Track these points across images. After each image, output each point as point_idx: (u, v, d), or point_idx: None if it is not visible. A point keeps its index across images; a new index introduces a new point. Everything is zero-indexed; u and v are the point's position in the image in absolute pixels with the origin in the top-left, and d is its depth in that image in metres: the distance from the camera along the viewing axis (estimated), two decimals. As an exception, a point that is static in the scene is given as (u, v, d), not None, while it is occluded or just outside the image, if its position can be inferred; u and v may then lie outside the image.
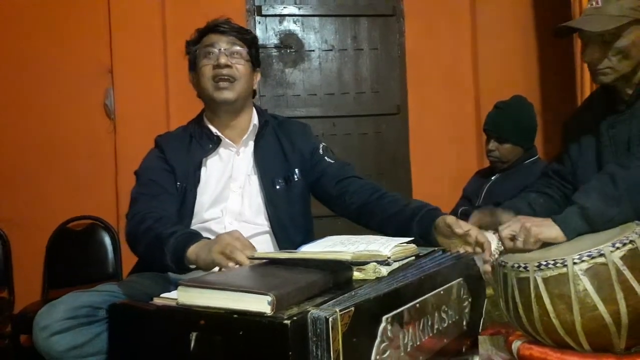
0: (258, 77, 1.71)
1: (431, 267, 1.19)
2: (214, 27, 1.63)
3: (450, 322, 1.19)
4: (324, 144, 1.72)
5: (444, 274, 1.20)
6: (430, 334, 1.11)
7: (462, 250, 1.38)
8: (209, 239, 1.33)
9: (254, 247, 1.24)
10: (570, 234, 1.31)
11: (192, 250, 1.27)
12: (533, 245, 1.32)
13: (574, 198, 1.36)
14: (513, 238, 1.36)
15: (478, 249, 1.37)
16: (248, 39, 1.65)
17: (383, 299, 0.97)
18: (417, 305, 1.06)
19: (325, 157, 1.67)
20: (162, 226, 1.38)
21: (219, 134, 1.63)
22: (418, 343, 1.06)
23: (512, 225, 1.37)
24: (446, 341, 1.18)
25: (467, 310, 1.28)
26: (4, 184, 3.00)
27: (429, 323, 1.11)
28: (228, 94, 1.58)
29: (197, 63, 1.63)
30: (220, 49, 1.59)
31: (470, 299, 1.29)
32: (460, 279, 1.25)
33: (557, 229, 1.32)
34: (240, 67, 1.60)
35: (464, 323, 1.26)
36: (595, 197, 1.32)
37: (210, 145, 1.63)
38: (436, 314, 1.14)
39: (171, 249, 1.30)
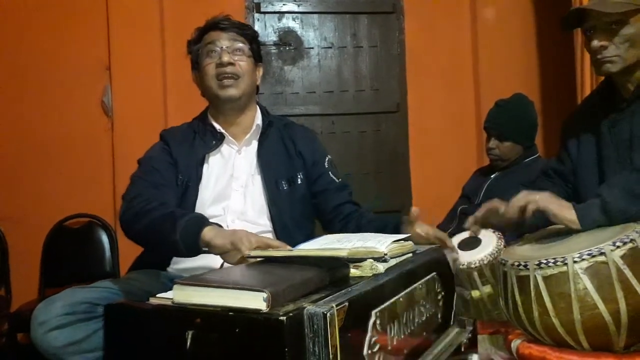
0: (261, 71, 1.71)
1: (410, 262, 1.21)
2: (214, 25, 1.62)
3: (427, 315, 1.21)
4: (329, 157, 1.72)
5: (421, 269, 1.21)
6: (412, 327, 1.12)
7: None
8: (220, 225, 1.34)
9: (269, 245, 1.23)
10: (587, 223, 1.31)
11: (209, 231, 1.26)
12: (540, 206, 1.35)
13: (599, 190, 1.35)
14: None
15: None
16: (249, 34, 1.65)
17: (372, 294, 0.98)
18: (401, 299, 1.07)
19: (330, 172, 1.68)
20: (170, 207, 1.37)
21: (222, 130, 1.63)
22: (402, 336, 1.07)
23: (536, 193, 1.40)
24: (425, 334, 1.19)
25: (440, 304, 1.29)
26: (1, 181, 2.99)
27: (410, 317, 1.12)
28: (233, 91, 1.58)
29: (199, 62, 1.63)
30: (222, 47, 1.58)
31: (443, 293, 1.30)
32: (434, 273, 1.26)
33: (574, 214, 1.32)
34: (243, 63, 1.61)
35: (439, 316, 1.28)
36: (618, 192, 1.31)
37: (214, 142, 1.63)
38: (416, 308, 1.15)
39: (183, 225, 1.27)
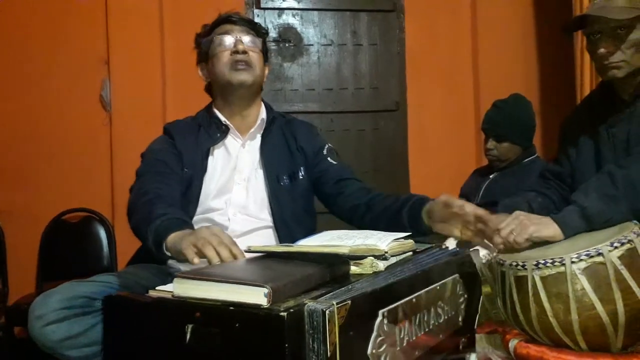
0: (267, 71, 1.72)
1: (427, 262, 1.19)
2: (228, 18, 1.65)
3: (445, 317, 1.20)
4: (329, 145, 1.73)
5: (440, 270, 1.20)
6: (426, 329, 1.11)
7: (459, 234, 1.37)
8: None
9: (235, 244, 1.15)
10: (569, 232, 1.31)
11: (173, 237, 1.21)
12: (524, 242, 1.31)
13: (573, 197, 1.36)
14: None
15: (479, 229, 1.35)
16: (261, 31, 1.69)
17: (380, 293, 0.97)
18: (414, 300, 1.06)
19: (328, 158, 1.68)
20: (158, 204, 1.33)
21: (227, 122, 1.63)
22: (414, 338, 1.06)
23: (510, 222, 1.35)
24: (442, 337, 1.18)
25: (462, 307, 1.28)
26: (-1, 174, 2.98)
27: (425, 318, 1.11)
28: (246, 76, 1.59)
29: (210, 52, 1.63)
30: (237, 37, 1.60)
31: (466, 295, 1.29)
32: (456, 275, 1.25)
33: (555, 227, 1.31)
34: (255, 55, 1.62)
35: (460, 319, 1.27)
36: (594, 196, 1.31)
37: (218, 135, 1.63)
38: (432, 310, 1.14)
39: (153, 231, 1.25)
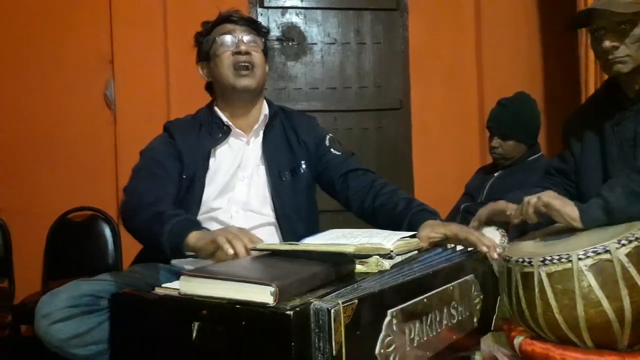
0: (266, 68, 1.71)
1: (440, 262, 1.19)
2: (229, 17, 1.63)
3: (460, 318, 1.19)
4: (330, 135, 1.71)
5: (453, 270, 1.19)
6: (439, 330, 1.11)
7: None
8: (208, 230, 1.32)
9: (260, 240, 1.21)
10: (588, 223, 1.31)
11: (193, 236, 1.24)
12: (543, 204, 1.36)
13: (600, 190, 1.36)
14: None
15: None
16: (262, 30, 1.68)
17: (389, 293, 0.97)
18: (425, 300, 1.06)
19: (332, 149, 1.67)
20: (166, 206, 1.36)
21: (229, 123, 1.63)
22: (425, 339, 1.06)
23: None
24: (455, 337, 1.17)
25: (478, 307, 1.27)
26: (4, 174, 2.99)
27: (437, 319, 1.10)
28: (250, 82, 1.58)
29: (211, 52, 1.62)
30: (239, 38, 1.59)
31: (482, 296, 1.28)
32: (472, 275, 1.24)
33: (577, 212, 1.32)
34: (258, 54, 1.61)
35: (475, 320, 1.26)
36: (620, 192, 1.31)
37: (220, 135, 1.62)
38: (445, 310, 1.13)
39: (169, 229, 1.27)
